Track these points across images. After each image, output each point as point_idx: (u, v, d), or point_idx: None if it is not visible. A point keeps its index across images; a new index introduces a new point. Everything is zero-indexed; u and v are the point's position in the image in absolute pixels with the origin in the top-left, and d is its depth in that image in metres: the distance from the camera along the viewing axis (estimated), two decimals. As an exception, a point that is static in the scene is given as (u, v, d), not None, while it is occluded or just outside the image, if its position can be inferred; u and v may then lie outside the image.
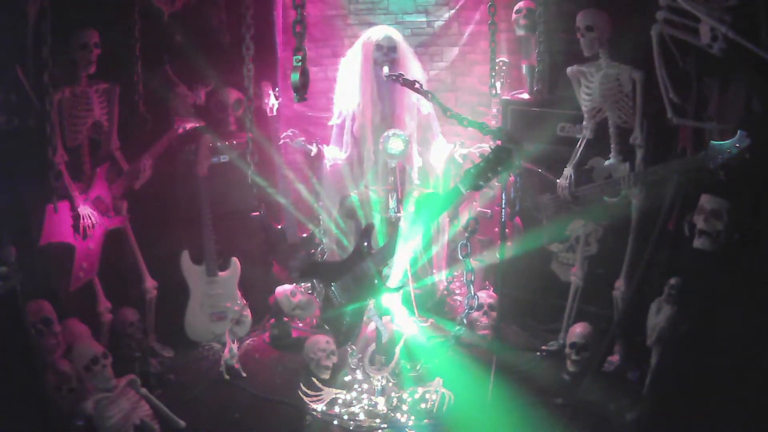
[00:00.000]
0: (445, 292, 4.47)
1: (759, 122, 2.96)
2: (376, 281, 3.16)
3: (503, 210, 3.73)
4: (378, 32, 3.99)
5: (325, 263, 4.05)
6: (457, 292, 4.56)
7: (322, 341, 3.71)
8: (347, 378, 3.63)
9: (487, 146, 3.87)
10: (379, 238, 3.67)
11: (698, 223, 3.01)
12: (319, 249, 4.21)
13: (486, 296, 4.10)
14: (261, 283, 4.36)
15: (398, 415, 3.33)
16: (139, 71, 3.99)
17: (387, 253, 3.18)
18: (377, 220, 3.79)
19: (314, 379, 3.64)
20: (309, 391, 3.50)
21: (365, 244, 3.24)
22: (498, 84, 4.32)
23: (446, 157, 4.05)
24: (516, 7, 4.25)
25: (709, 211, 2.98)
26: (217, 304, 4.08)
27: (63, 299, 3.59)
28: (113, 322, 3.80)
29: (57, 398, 3.10)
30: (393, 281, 3.27)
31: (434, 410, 3.34)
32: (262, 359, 4.00)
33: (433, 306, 4.42)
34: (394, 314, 3.66)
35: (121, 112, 3.83)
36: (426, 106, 4.02)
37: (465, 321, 3.59)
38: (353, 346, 3.64)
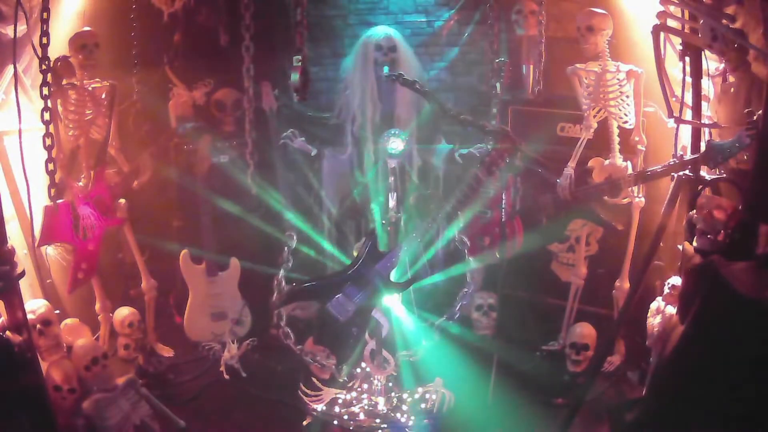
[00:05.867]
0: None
1: (759, 122, 2.96)
2: (382, 285, 3.13)
3: (503, 210, 3.72)
4: (378, 32, 3.99)
5: (312, 285, 3.50)
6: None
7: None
8: (347, 378, 3.63)
9: (486, 146, 3.87)
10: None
11: (698, 223, 3.01)
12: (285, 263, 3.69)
13: (486, 296, 4.09)
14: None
15: (398, 415, 3.33)
16: (139, 71, 3.99)
17: (393, 257, 3.16)
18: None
19: (314, 379, 3.64)
20: (309, 391, 3.49)
21: (367, 249, 3.22)
22: (498, 84, 4.31)
23: (446, 157, 4.05)
24: (516, 7, 4.25)
25: (709, 211, 2.98)
26: (217, 304, 4.08)
27: (63, 299, 3.60)
28: (113, 322, 3.80)
29: (57, 398, 3.10)
30: (396, 278, 3.26)
31: (434, 410, 3.34)
32: (262, 359, 4.00)
33: (434, 306, 4.41)
34: (392, 310, 3.66)
35: (120, 112, 3.84)
36: None
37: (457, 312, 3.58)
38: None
